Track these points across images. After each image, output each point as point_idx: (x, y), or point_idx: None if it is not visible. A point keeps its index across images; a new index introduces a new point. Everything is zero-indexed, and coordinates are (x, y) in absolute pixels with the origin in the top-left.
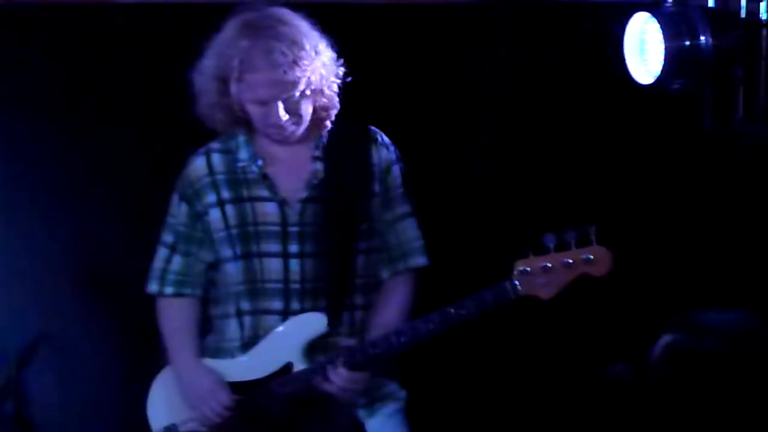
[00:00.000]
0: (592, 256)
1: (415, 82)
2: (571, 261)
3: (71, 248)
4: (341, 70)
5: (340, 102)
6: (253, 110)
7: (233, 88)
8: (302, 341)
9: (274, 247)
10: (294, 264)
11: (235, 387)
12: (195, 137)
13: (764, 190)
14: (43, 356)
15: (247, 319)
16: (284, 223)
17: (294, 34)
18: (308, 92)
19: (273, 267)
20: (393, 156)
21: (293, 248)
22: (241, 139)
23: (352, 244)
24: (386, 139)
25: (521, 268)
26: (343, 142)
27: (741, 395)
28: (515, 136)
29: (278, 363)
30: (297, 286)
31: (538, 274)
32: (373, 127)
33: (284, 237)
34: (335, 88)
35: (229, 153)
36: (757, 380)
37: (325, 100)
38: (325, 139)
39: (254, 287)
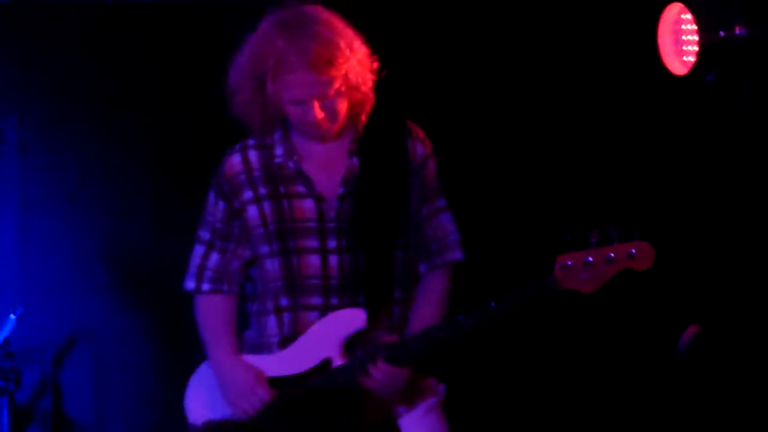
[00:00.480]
0: (634, 251)
1: (451, 73)
2: (613, 255)
3: (107, 245)
4: (375, 65)
5: (376, 96)
6: (290, 109)
7: (269, 87)
8: (341, 336)
9: (312, 243)
10: (332, 260)
11: (273, 382)
12: (228, 135)
13: None
14: (79, 352)
15: (286, 315)
16: (321, 219)
17: (328, 33)
18: (343, 89)
19: (311, 263)
20: (429, 150)
21: (331, 244)
22: (277, 135)
23: (390, 239)
24: (422, 133)
25: (564, 263)
26: (378, 137)
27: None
28: (553, 128)
29: (316, 358)
30: (336, 281)
31: (580, 268)
32: (408, 121)
33: (322, 233)
34: (370, 83)
35: (265, 149)
36: None
37: (360, 96)
38: (360, 135)
39: (293, 283)
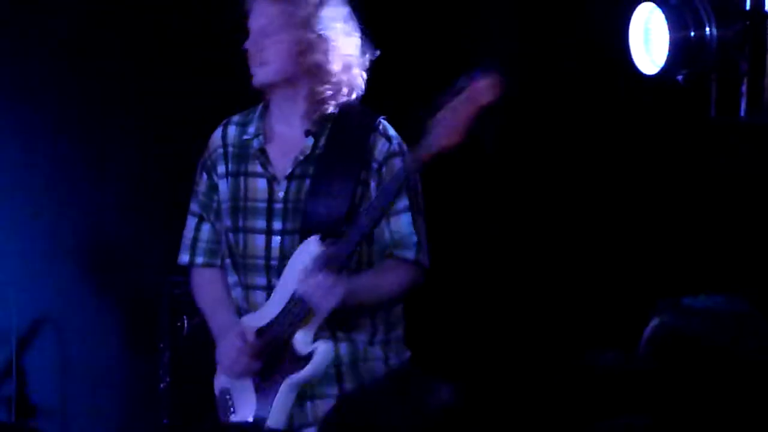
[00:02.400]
0: (471, 93)
1: (414, 67)
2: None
3: (73, 230)
4: (366, 60)
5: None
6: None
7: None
8: (304, 268)
9: (260, 223)
10: (275, 241)
11: (260, 331)
12: (202, 127)
13: (765, 182)
14: (43, 338)
15: (238, 291)
16: (270, 199)
17: None
18: (285, 35)
19: (257, 243)
20: (394, 149)
21: (276, 225)
22: (257, 114)
23: (333, 225)
24: (391, 131)
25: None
26: (341, 125)
27: (730, 378)
28: (517, 125)
29: (287, 296)
30: (275, 262)
31: (441, 125)
32: (381, 117)
33: (269, 213)
34: (354, 72)
35: (243, 125)
36: (745, 364)
37: (329, 76)
38: (321, 118)
39: (238, 262)
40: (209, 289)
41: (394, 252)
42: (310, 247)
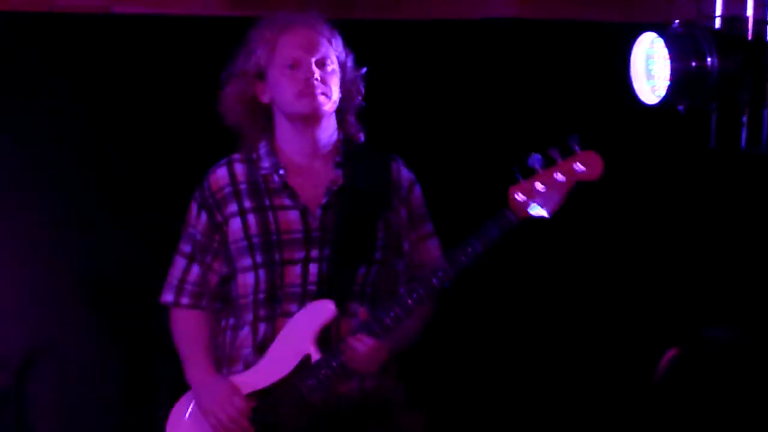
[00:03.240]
0: (580, 163)
1: (412, 97)
2: (561, 174)
3: (74, 257)
4: (361, 88)
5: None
6: (284, 80)
7: (270, 63)
8: (314, 330)
9: (297, 254)
10: (313, 267)
11: (258, 395)
12: (199, 149)
13: (764, 212)
14: (43, 365)
15: (262, 326)
16: (307, 229)
17: (323, 20)
18: (337, 71)
19: (294, 272)
20: (414, 177)
21: (314, 253)
22: (264, 149)
23: (368, 252)
24: (403, 163)
25: (515, 194)
26: (362, 158)
27: (749, 410)
28: (518, 154)
29: (296, 358)
30: (313, 288)
31: (533, 195)
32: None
33: (307, 243)
34: (358, 97)
35: (251, 162)
36: (763, 395)
37: (350, 97)
38: (346, 151)
39: (274, 294)
40: (191, 331)
41: (429, 279)
42: (324, 310)
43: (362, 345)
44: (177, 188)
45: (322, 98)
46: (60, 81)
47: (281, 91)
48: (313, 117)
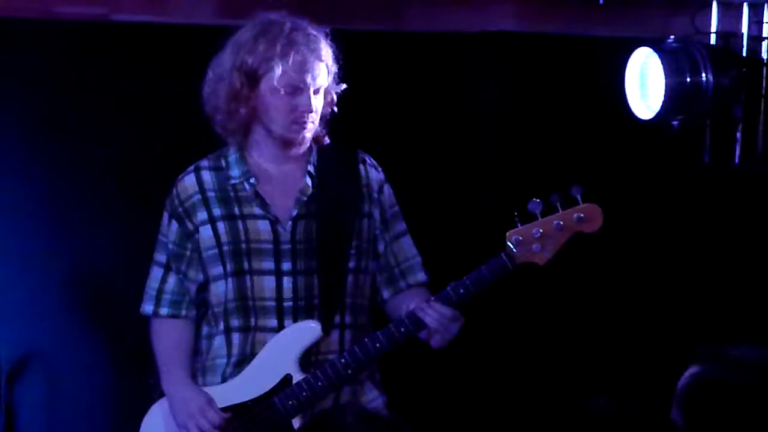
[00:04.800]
0: (582, 215)
1: (409, 108)
2: (561, 222)
3: (63, 264)
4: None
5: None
6: (278, 102)
7: (265, 76)
8: (297, 351)
9: (267, 264)
10: (287, 281)
11: (233, 409)
12: (186, 155)
13: (758, 228)
14: (33, 373)
15: (236, 336)
16: (276, 240)
17: (322, 37)
18: (324, 93)
19: (266, 285)
20: (382, 176)
21: (286, 266)
22: (233, 156)
23: (343, 262)
24: (373, 160)
25: (513, 238)
26: (332, 161)
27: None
28: (512, 167)
29: (275, 377)
30: (290, 303)
31: (531, 240)
32: (360, 150)
33: (277, 254)
34: (334, 102)
35: (219, 170)
36: None
37: (328, 109)
38: (315, 158)
39: (245, 304)
40: (170, 341)
41: (408, 281)
42: (308, 332)
43: (436, 312)
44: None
45: (309, 126)
46: (58, 87)
47: (272, 111)
48: (297, 143)
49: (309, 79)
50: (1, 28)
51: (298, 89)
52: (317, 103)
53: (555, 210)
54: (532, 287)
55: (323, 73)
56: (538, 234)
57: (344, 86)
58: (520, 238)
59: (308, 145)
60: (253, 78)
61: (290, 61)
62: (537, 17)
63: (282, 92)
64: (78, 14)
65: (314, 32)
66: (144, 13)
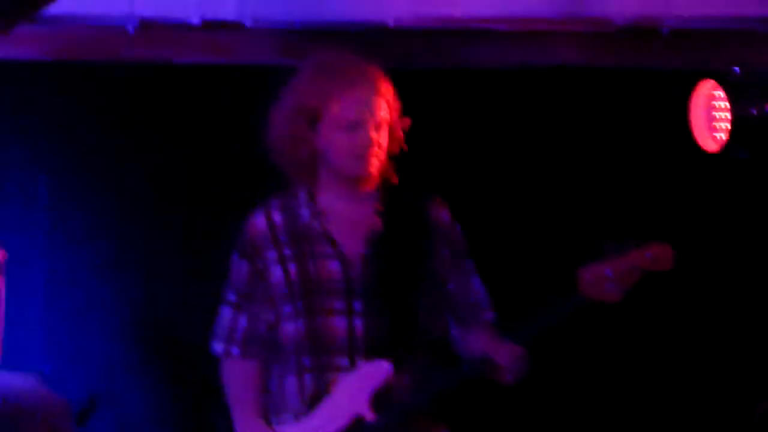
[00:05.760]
0: (653, 254)
1: (475, 145)
2: (633, 262)
3: (132, 304)
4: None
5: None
6: (340, 139)
7: (325, 114)
8: (368, 391)
9: (337, 304)
10: (357, 321)
11: None
12: (252, 196)
13: None
14: (102, 413)
15: (308, 377)
16: (347, 280)
17: (380, 73)
18: (387, 126)
19: (337, 324)
20: (450, 215)
21: (356, 305)
22: (302, 195)
23: (413, 302)
24: (441, 199)
25: (585, 276)
26: (401, 200)
27: None
28: (580, 203)
29: (346, 417)
30: (361, 343)
31: (603, 279)
32: (428, 189)
33: (347, 294)
34: (401, 142)
35: (289, 210)
36: None
37: (395, 147)
38: (384, 197)
39: (316, 344)
40: (241, 381)
41: (477, 320)
42: (380, 372)
43: (508, 353)
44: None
45: (374, 161)
46: (122, 126)
47: (334, 149)
48: (362, 179)
49: (368, 114)
50: (73, 71)
51: (357, 125)
52: (379, 138)
53: (626, 249)
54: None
55: (383, 107)
56: (610, 273)
57: (409, 122)
58: (592, 276)
59: (377, 183)
60: (313, 118)
61: (348, 97)
62: (601, 50)
63: (342, 129)
64: (144, 57)
65: (372, 68)
66: (207, 54)
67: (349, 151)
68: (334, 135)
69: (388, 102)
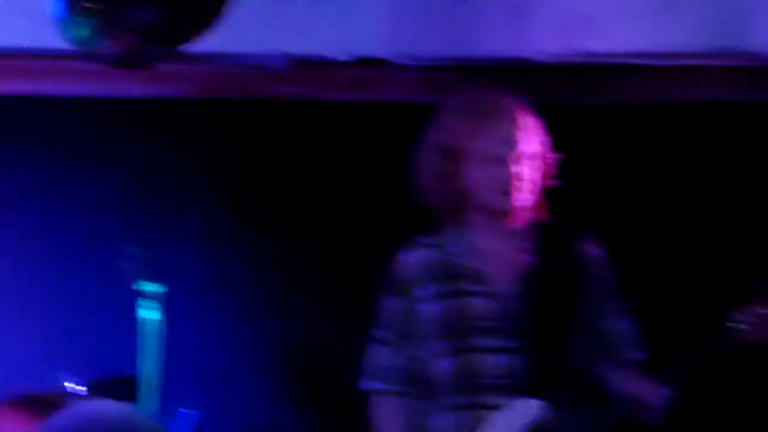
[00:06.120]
0: None
1: (623, 182)
2: None
3: (282, 342)
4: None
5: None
6: (484, 175)
7: (468, 151)
8: (521, 430)
9: (487, 342)
10: (509, 359)
11: None
12: (402, 234)
13: None
14: None
15: (459, 415)
16: (498, 318)
17: (523, 108)
18: (535, 163)
19: (488, 363)
20: (602, 253)
21: (507, 344)
22: (452, 234)
23: (564, 340)
24: (593, 237)
25: (743, 318)
26: (552, 238)
27: None
28: (727, 236)
29: None
30: (512, 381)
31: (757, 320)
32: (579, 227)
33: (498, 332)
34: (548, 177)
35: (439, 247)
36: None
37: (541, 183)
38: (535, 234)
39: (467, 382)
40: (390, 418)
41: (627, 357)
42: (532, 410)
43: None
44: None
45: (518, 195)
46: (270, 165)
47: (478, 184)
48: (509, 213)
49: (511, 148)
50: (222, 108)
51: (501, 159)
52: (524, 172)
53: None
54: None
55: (526, 141)
56: (764, 313)
57: (558, 158)
58: (745, 317)
59: (527, 219)
60: (457, 155)
61: (491, 132)
62: (752, 85)
63: (486, 164)
64: (292, 95)
65: (515, 103)
66: (354, 92)
67: (493, 186)
68: (478, 170)
69: (532, 136)
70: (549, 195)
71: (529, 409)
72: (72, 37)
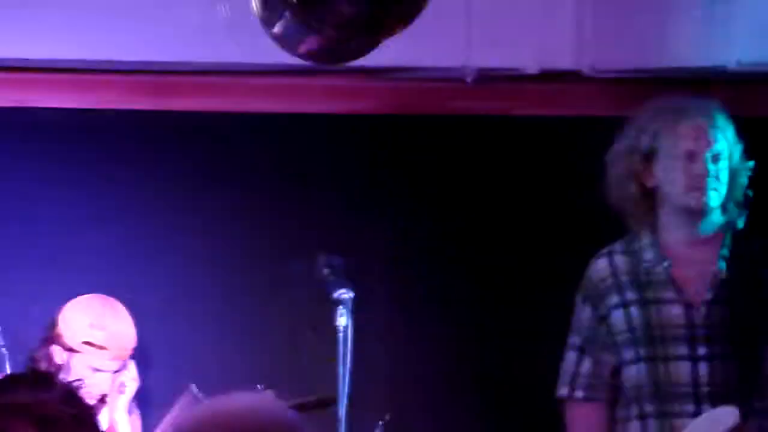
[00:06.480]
0: None
1: None
2: None
3: (468, 358)
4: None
5: None
6: (675, 171)
7: (660, 150)
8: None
9: (681, 350)
10: (703, 367)
11: None
12: (595, 242)
13: None
14: None
15: (652, 422)
16: (691, 325)
17: (718, 109)
18: (728, 165)
19: (681, 370)
20: None
21: (701, 351)
22: (646, 240)
23: (758, 347)
24: None
25: None
26: (746, 245)
27: None
28: None
29: None
30: (706, 389)
31: None
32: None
33: (691, 339)
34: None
35: (632, 254)
36: None
37: (734, 205)
38: (729, 241)
39: (660, 390)
40: (586, 424)
41: None
42: (727, 418)
43: None
44: (565, 282)
45: (712, 194)
46: (455, 179)
47: (671, 181)
48: (701, 212)
49: (705, 144)
50: (410, 123)
51: (694, 154)
52: (717, 170)
53: None
54: None
55: (719, 139)
56: None
57: (753, 166)
58: None
59: (717, 225)
60: (648, 154)
61: (685, 127)
62: None
63: (679, 159)
64: (480, 109)
65: (710, 102)
66: (542, 105)
67: (686, 181)
68: (671, 167)
69: (727, 138)
70: (742, 203)
71: (723, 417)
72: (271, 34)
